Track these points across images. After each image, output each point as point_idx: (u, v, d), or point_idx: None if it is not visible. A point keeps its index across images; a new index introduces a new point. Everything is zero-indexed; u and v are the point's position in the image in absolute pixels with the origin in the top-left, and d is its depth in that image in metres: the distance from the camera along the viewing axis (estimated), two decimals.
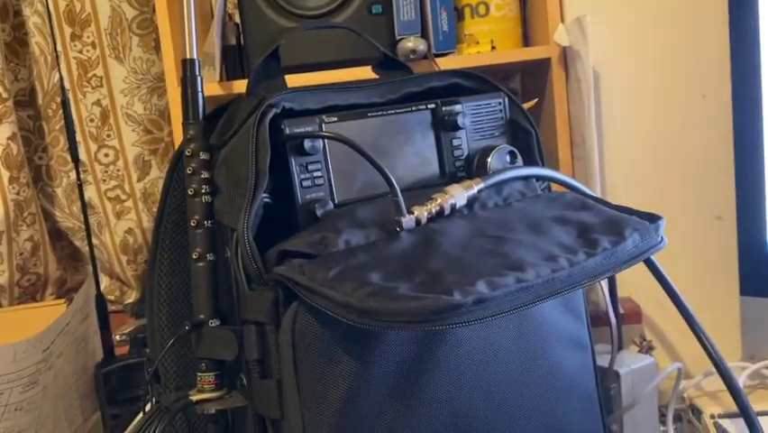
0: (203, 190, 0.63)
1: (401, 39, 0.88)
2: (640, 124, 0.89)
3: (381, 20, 0.89)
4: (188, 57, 0.67)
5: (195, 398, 0.61)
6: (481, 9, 0.92)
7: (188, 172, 0.63)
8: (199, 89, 0.66)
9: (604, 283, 0.77)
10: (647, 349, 0.85)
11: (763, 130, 0.79)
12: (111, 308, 1.10)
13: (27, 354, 0.71)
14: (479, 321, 0.46)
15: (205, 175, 0.63)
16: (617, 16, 0.87)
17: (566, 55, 0.87)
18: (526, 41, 0.97)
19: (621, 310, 0.82)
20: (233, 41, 0.93)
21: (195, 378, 0.62)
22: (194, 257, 0.62)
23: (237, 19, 0.93)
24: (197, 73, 0.67)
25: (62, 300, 1.04)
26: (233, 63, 0.93)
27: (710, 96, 0.87)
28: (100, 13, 1.04)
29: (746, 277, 0.82)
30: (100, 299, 0.86)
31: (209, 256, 0.62)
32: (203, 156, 0.64)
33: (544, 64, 0.89)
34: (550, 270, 0.49)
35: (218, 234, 0.63)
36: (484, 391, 0.57)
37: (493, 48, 0.91)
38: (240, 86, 0.86)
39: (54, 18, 1.04)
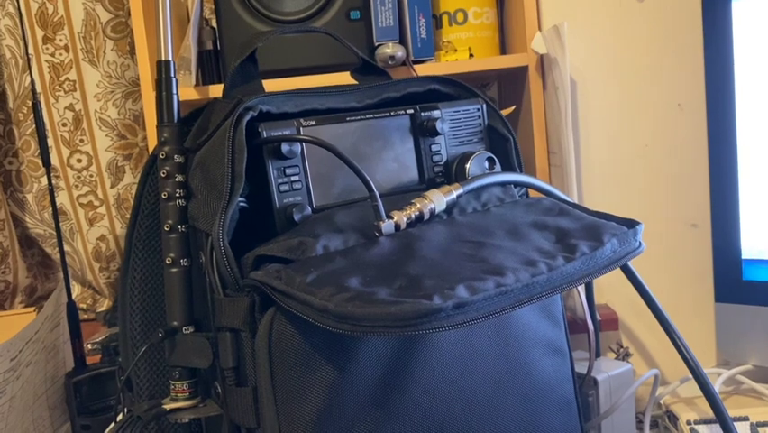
0: (177, 194, 0.62)
1: (379, 45, 0.88)
2: (616, 132, 0.89)
3: (359, 26, 0.88)
4: (163, 58, 0.66)
5: (168, 407, 0.60)
6: (459, 17, 0.92)
7: (162, 176, 0.62)
8: (174, 91, 0.65)
9: (581, 289, 0.77)
10: (624, 356, 0.85)
11: (737, 139, 0.80)
12: (83, 316, 1.09)
13: None
14: (458, 326, 0.45)
15: (179, 178, 0.62)
16: (594, 24, 0.88)
17: (543, 63, 0.87)
18: (504, 48, 0.97)
19: (598, 317, 0.82)
20: (209, 46, 0.92)
21: (168, 386, 0.61)
22: (167, 262, 0.61)
23: (214, 24, 0.92)
24: (172, 75, 0.66)
25: (32, 309, 1.01)
26: (209, 68, 0.92)
27: (686, 105, 0.88)
28: (73, 16, 1.02)
29: (721, 284, 0.83)
30: (71, 307, 0.84)
31: (183, 262, 0.61)
32: (177, 159, 0.63)
33: (521, 72, 0.90)
34: (529, 274, 0.49)
35: (192, 239, 0.62)
36: (462, 398, 0.56)
37: (471, 55, 0.92)
38: (216, 90, 0.85)
39: (26, 20, 1.02)
